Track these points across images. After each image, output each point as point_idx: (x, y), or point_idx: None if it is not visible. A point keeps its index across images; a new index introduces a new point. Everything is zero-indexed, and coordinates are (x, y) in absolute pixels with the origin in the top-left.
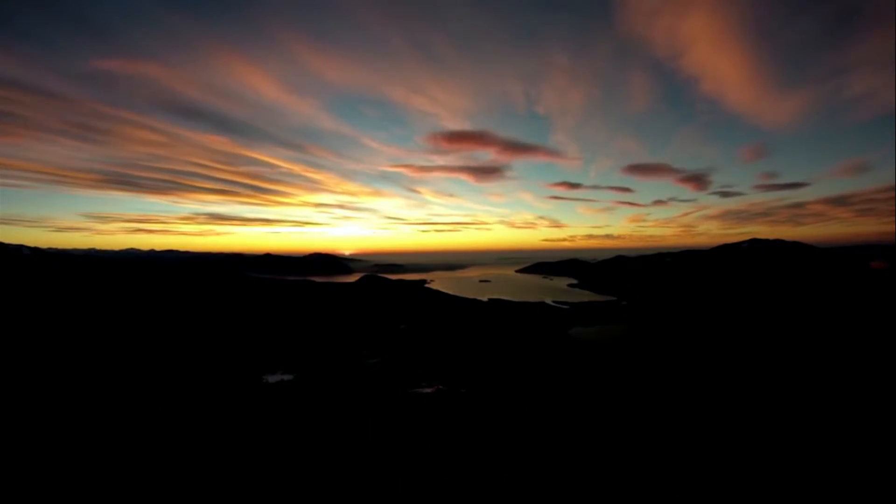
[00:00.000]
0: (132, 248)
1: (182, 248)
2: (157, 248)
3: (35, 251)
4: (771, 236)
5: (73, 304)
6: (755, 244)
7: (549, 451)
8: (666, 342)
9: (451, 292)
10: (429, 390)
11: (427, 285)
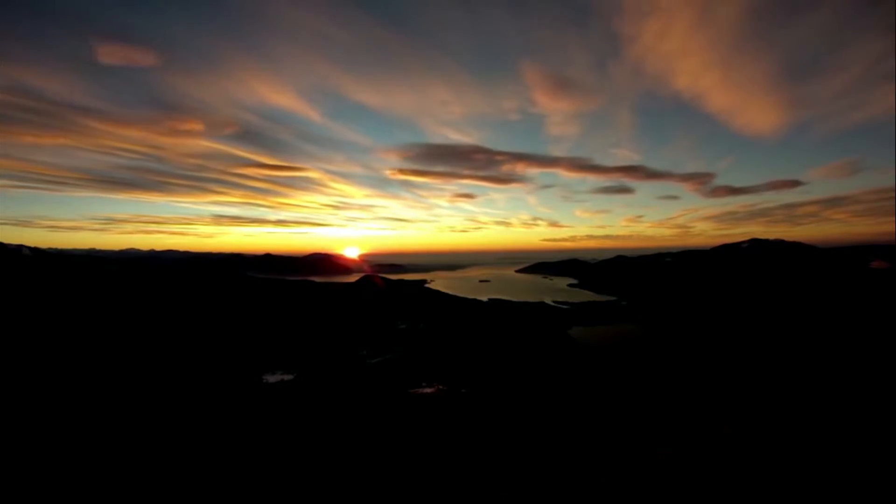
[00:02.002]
0: (132, 248)
1: (182, 248)
2: (158, 248)
3: (35, 251)
4: (768, 236)
5: (72, 303)
6: (755, 244)
7: (548, 451)
8: (667, 342)
9: (451, 292)
10: (429, 390)
11: (427, 285)
